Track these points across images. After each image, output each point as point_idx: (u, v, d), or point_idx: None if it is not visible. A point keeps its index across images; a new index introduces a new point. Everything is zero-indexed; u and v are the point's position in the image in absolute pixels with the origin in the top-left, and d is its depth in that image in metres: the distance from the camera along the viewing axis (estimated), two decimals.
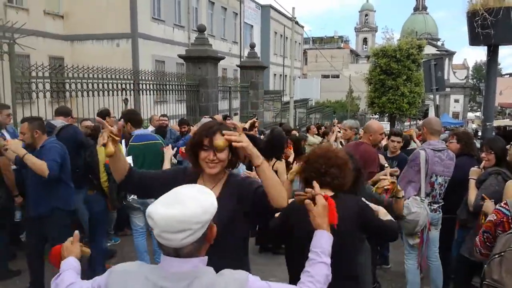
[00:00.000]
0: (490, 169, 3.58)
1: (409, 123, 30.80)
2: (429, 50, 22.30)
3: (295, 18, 18.21)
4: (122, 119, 4.45)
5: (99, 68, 6.98)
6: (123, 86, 7.58)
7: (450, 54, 49.51)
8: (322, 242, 1.63)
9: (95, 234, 4.51)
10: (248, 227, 2.12)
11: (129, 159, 4.00)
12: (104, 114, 5.23)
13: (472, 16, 4.74)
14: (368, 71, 19.33)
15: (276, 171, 4.24)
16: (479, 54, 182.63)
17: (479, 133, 13.56)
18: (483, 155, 3.71)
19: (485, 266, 2.07)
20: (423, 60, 9.67)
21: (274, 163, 4.58)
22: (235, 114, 13.31)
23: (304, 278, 1.53)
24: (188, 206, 1.27)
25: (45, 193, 3.62)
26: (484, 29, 4.51)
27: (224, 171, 2.03)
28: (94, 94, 6.79)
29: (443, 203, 3.94)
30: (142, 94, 8.19)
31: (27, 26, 5.71)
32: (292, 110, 17.34)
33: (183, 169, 2.20)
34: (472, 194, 3.55)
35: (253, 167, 1.92)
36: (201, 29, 10.23)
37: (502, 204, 2.34)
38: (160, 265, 1.34)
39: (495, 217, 2.28)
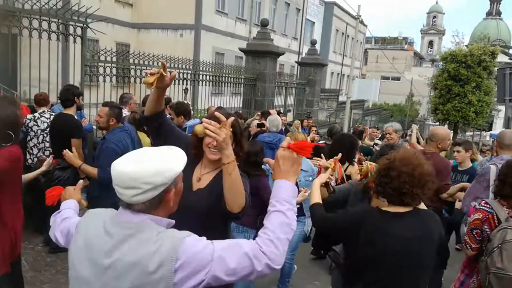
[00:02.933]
0: None
1: (471, 133, 28.89)
2: (501, 58, 20.54)
3: (360, 16, 17.70)
4: (171, 110, 4.46)
5: (161, 55, 7.16)
6: (184, 76, 7.74)
7: None
8: (281, 192, 1.46)
9: None
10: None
11: None
12: (166, 101, 5.33)
13: None
14: (434, 76, 18.21)
15: (349, 176, 3.89)
16: None
17: None
18: None
19: (486, 258, 2.41)
20: (497, 68, 8.93)
21: (347, 167, 4.09)
22: (288, 111, 13.19)
23: (261, 231, 1.41)
24: (143, 165, 1.30)
25: None
26: None
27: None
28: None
29: None
30: (201, 84, 8.31)
31: (99, 12, 5.92)
32: (348, 111, 16.91)
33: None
34: None
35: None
36: (264, 24, 10.22)
37: (482, 204, 2.65)
38: (116, 213, 1.42)
39: (481, 215, 2.60)
